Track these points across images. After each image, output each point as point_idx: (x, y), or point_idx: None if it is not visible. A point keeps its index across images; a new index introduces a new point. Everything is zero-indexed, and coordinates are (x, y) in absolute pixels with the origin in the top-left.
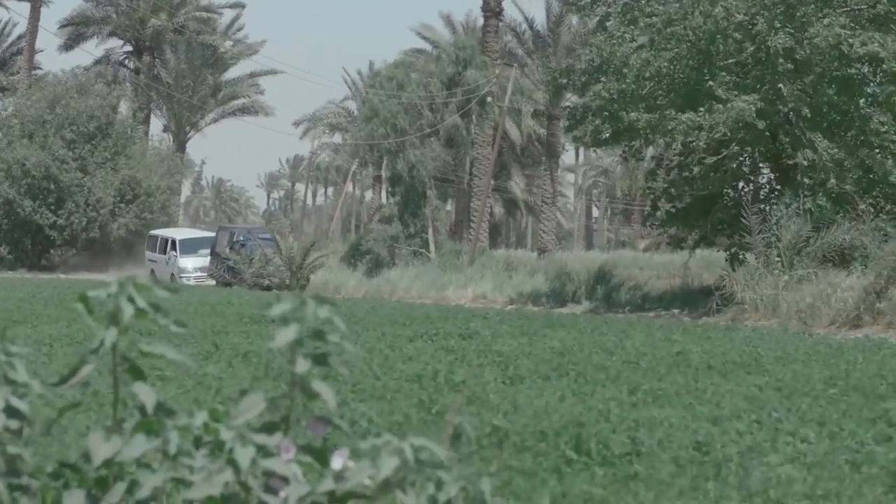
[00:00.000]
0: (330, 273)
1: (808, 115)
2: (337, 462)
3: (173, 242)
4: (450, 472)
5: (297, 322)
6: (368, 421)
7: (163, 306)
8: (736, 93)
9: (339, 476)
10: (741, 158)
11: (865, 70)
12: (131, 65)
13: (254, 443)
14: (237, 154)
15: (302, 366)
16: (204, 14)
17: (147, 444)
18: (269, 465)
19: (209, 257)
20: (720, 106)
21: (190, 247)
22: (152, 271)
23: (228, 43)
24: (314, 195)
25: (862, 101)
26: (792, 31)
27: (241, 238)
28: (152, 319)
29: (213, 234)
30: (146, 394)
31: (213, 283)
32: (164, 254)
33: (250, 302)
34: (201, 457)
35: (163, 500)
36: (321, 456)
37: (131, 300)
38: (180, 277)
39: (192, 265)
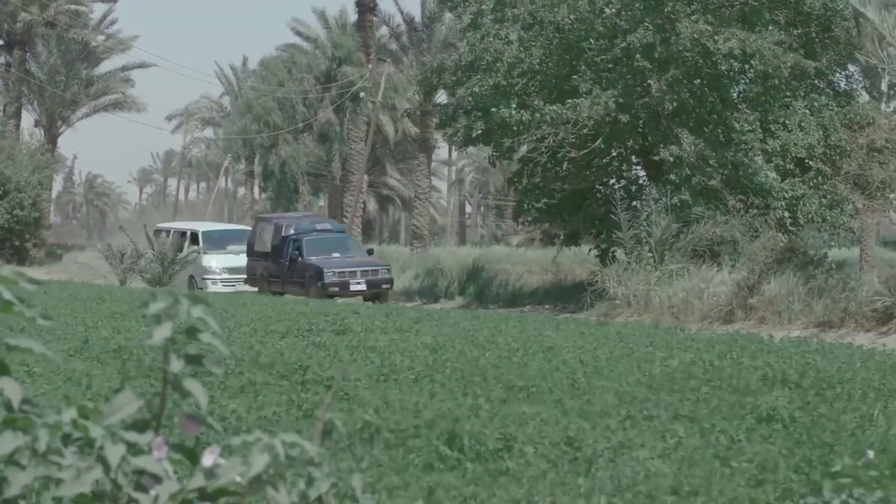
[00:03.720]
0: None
1: (671, 112)
2: (208, 459)
3: (194, 236)
4: (321, 468)
5: (171, 320)
6: (238, 418)
7: (29, 299)
8: (599, 88)
9: (210, 473)
10: (612, 154)
11: (736, 68)
12: (2, 59)
13: (124, 440)
14: (110, 149)
15: (175, 364)
16: (75, 7)
17: (15, 441)
18: (140, 462)
19: (242, 255)
20: (583, 100)
21: (217, 241)
22: None
23: (101, 37)
24: (187, 190)
25: (734, 98)
26: (657, 26)
27: (294, 231)
28: (18, 312)
29: (244, 228)
30: (12, 389)
31: (251, 289)
32: (180, 250)
33: (122, 298)
34: (71, 454)
35: (32, 498)
36: (192, 454)
37: None
38: (204, 280)
39: (220, 265)
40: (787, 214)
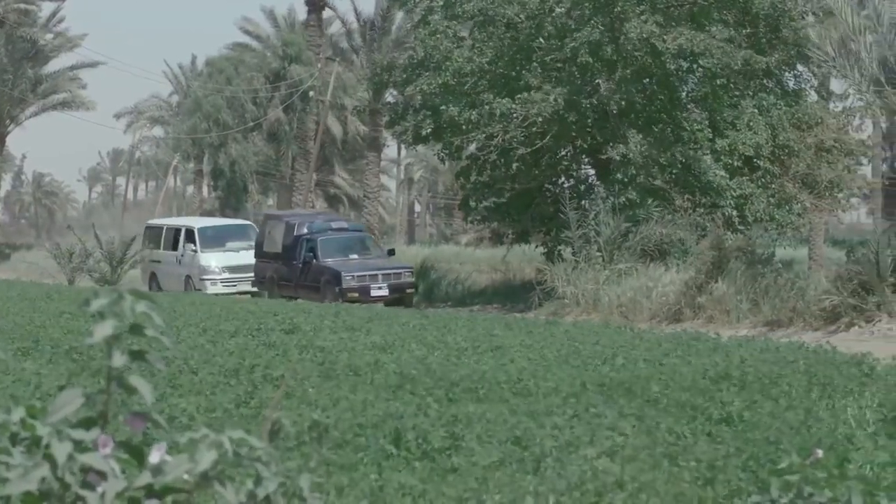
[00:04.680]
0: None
1: (619, 111)
2: (154, 456)
3: (189, 233)
4: (269, 466)
5: (115, 317)
6: (188, 417)
7: None
8: (549, 85)
9: (157, 470)
10: (561, 153)
11: (685, 67)
12: None
13: (71, 438)
14: (60, 148)
15: (118, 360)
16: (24, 6)
17: None
18: (87, 460)
19: (243, 253)
20: (528, 95)
21: (214, 238)
22: (153, 276)
23: (49, 35)
24: (136, 189)
25: (683, 97)
26: (607, 25)
27: (307, 230)
28: None
29: (244, 223)
30: None
31: (256, 292)
32: (174, 249)
33: (70, 297)
34: (18, 453)
35: None
36: (139, 451)
37: None
38: (203, 281)
39: (219, 264)
40: (735, 213)
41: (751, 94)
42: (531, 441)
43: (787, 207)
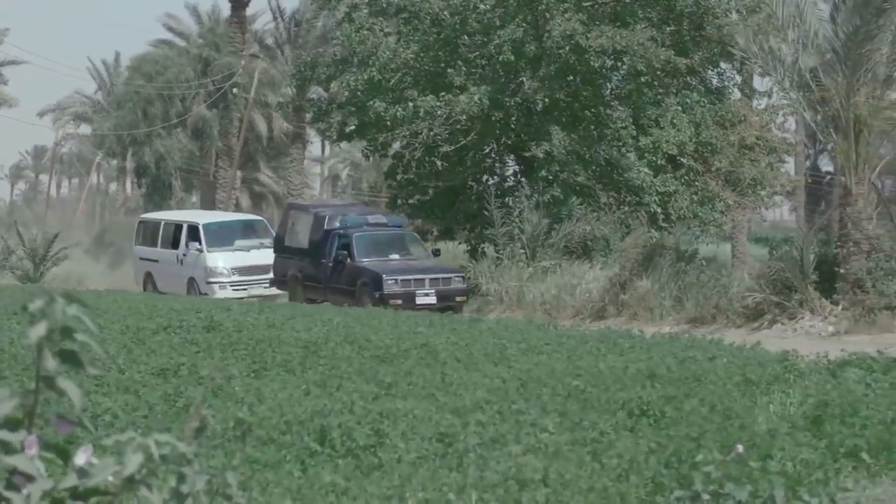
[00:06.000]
0: (73, 265)
1: (543, 108)
2: (80, 458)
3: (193, 229)
4: (193, 465)
5: (47, 319)
6: (112, 415)
7: None
8: (473, 83)
9: (83, 472)
10: (486, 150)
11: (608, 65)
12: None
13: None
14: None
15: (49, 363)
16: None
17: None
18: (12, 461)
19: (254, 252)
20: (452, 94)
21: (222, 236)
22: (148, 276)
23: None
24: (59, 186)
25: (607, 95)
26: (531, 22)
27: (340, 225)
28: None
29: (254, 218)
30: None
31: (270, 296)
32: (174, 247)
33: None
34: None
35: None
36: (65, 453)
37: None
38: (209, 284)
39: (227, 264)
40: (659, 211)
41: (675, 91)
42: (455, 438)
43: (710, 205)
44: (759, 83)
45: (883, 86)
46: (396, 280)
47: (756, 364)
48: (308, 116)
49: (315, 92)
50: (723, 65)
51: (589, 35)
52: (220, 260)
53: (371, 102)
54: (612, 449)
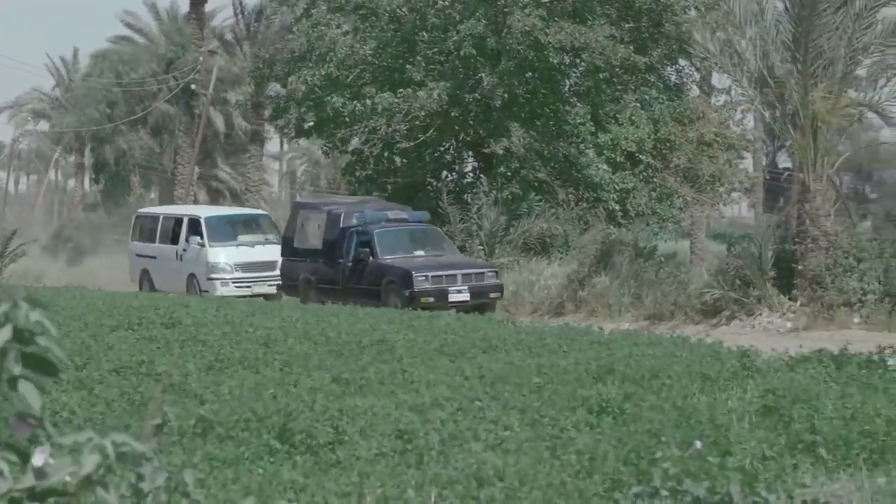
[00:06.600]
0: (31, 261)
1: (502, 104)
2: (38, 459)
3: (194, 223)
4: (152, 463)
5: (11, 323)
6: (70, 412)
7: None
8: (432, 79)
9: (41, 473)
10: (444, 147)
11: (567, 61)
12: None
13: None
14: None
15: (14, 367)
16: None
17: None
18: None
19: (258, 248)
20: (412, 90)
21: (224, 230)
22: (145, 273)
23: None
24: (17, 183)
25: (566, 91)
26: (490, 18)
27: (357, 222)
28: None
29: (257, 212)
30: None
31: (274, 294)
32: (173, 242)
33: None
34: None
35: None
36: (23, 453)
37: None
38: (210, 281)
39: (230, 260)
40: (617, 207)
41: (633, 88)
42: (415, 435)
43: (668, 201)
44: (717, 80)
45: (841, 83)
46: (427, 277)
47: (715, 360)
48: (266, 113)
49: (273, 89)
50: (681, 62)
51: (548, 31)
52: (223, 255)
53: (329, 98)
54: (571, 445)
